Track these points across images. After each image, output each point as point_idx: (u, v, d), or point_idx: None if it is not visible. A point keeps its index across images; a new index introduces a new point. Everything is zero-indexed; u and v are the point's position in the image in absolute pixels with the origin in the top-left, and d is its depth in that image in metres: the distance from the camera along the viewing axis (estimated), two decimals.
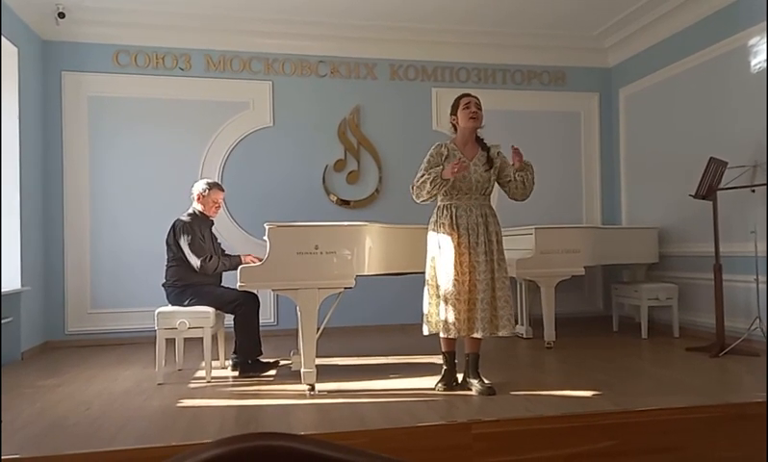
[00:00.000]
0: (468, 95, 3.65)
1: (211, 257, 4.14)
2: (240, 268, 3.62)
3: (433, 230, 3.58)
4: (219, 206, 4.47)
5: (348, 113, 6.31)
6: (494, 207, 3.68)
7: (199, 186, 4.39)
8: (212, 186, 4.40)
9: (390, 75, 6.44)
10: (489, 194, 3.63)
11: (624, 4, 5.87)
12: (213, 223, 4.49)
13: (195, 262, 4.10)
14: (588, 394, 3.40)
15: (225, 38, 6.01)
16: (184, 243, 4.13)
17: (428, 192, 3.49)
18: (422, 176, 3.53)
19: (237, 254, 4.33)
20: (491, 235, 3.51)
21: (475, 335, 3.44)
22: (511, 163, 3.57)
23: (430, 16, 6.00)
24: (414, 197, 3.60)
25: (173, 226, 4.24)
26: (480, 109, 3.60)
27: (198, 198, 4.35)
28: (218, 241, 4.60)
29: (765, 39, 4.78)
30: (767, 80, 4.67)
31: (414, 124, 6.38)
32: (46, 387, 3.91)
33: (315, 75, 6.29)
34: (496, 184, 3.68)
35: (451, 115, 3.69)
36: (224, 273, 4.33)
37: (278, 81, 6.20)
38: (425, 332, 3.58)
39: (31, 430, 2.94)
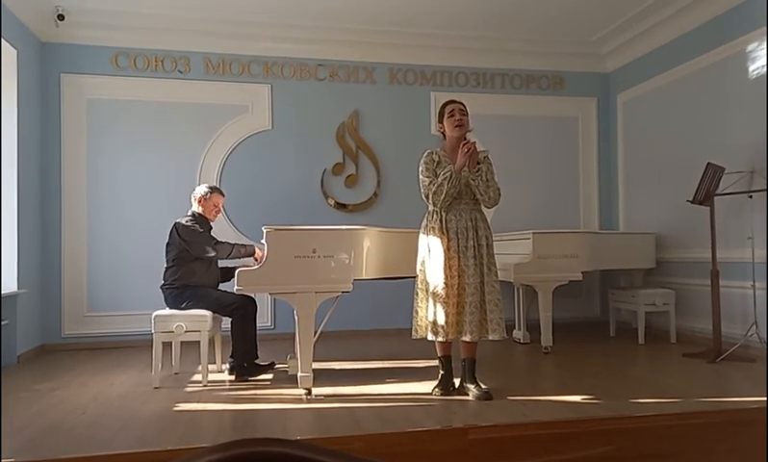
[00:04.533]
0: (452, 102, 3.67)
1: (222, 242, 4.24)
2: (237, 271, 3.62)
3: (423, 234, 3.60)
4: (219, 211, 4.53)
5: (347, 116, 6.31)
6: (492, 213, 3.69)
7: (201, 189, 4.44)
8: (213, 190, 4.46)
9: (389, 79, 6.45)
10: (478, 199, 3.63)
11: (622, 10, 5.90)
12: (211, 228, 4.51)
13: (210, 250, 4.17)
14: (585, 399, 3.40)
15: (224, 41, 6.01)
16: (192, 242, 4.17)
17: (446, 193, 3.46)
18: (432, 182, 3.51)
19: (251, 244, 4.39)
20: (480, 239, 3.52)
21: (465, 338, 3.46)
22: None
23: (429, 21, 6.02)
24: (432, 205, 3.57)
25: (175, 227, 4.25)
26: (466, 114, 3.62)
27: (199, 201, 4.39)
28: None
29: (763, 45, 4.81)
30: (767, 85, 4.68)
31: (412, 128, 6.38)
32: (42, 390, 3.90)
33: (314, 79, 6.29)
34: None
35: (438, 122, 3.72)
36: (220, 277, 4.37)
37: (277, 84, 6.20)
38: (414, 335, 3.61)
39: (27, 434, 2.93)
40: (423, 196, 3.60)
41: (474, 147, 3.48)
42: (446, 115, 3.63)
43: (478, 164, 3.53)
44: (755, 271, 4.62)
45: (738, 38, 5.05)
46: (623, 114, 6.70)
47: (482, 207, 3.65)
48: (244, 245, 4.33)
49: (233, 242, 4.44)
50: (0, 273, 4.60)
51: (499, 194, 3.59)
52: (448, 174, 3.47)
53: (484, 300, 3.47)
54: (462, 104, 3.65)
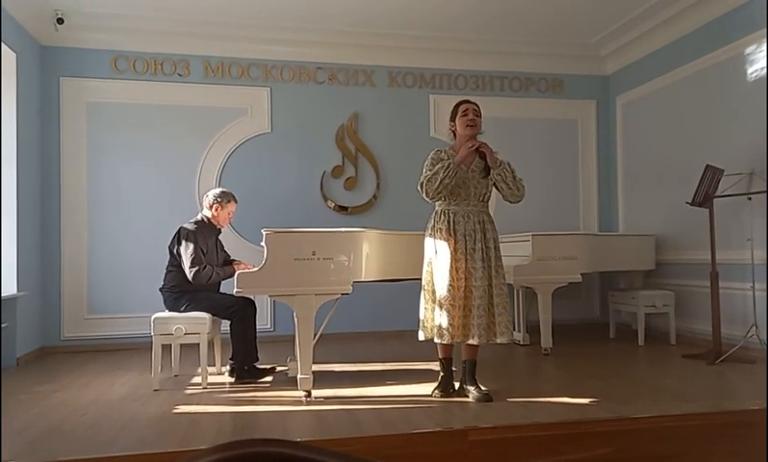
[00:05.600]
0: (467, 102, 3.66)
1: (204, 267, 4.12)
2: (237, 273, 3.62)
3: (430, 235, 3.58)
4: (232, 218, 4.48)
5: (346, 119, 6.32)
6: (491, 214, 3.69)
7: (215, 194, 4.37)
8: (229, 198, 4.38)
9: (388, 82, 6.46)
10: (487, 201, 3.63)
11: (621, 12, 5.91)
12: (220, 231, 4.48)
13: (189, 271, 4.08)
14: (585, 401, 3.40)
15: (224, 44, 6.02)
16: (183, 250, 4.13)
17: (441, 182, 3.43)
18: (431, 171, 3.50)
19: (229, 265, 4.32)
20: (488, 241, 3.50)
21: (472, 341, 3.44)
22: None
23: (428, 24, 6.03)
24: (424, 195, 3.54)
25: (178, 232, 4.24)
26: (479, 116, 3.61)
27: (212, 207, 4.34)
28: (224, 249, 4.58)
29: (762, 48, 4.82)
30: (767, 87, 4.69)
31: (412, 131, 6.40)
32: (42, 393, 3.90)
33: (313, 82, 6.30)
34: (494, 191, 3.69)
35: (450, 121, 3.70)
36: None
37: (276, 87, 6.21)
38: (421, 337, 3.58)
39: (27, 436, 2.93)
40: (418, 186, 3.56)
41: (485, 146, 3.49)
42: (459, 114, 3.62)
43: (498, 162, 3.52)
44: (755, 273, 4.62)
45: (737, 40, 5.06)
46: (622, 116, 6.71)
47: (489, 209, 3.66)
48: (223, 268, 4.25)
49: (213, 266, 4.25)
50: (0, 275, 4.60)
51: (524, 187, 3.60)
52: (447, 164, 3.46)
53: (492, 303, 3.45)
54: (476, 105, 3.64)
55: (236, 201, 4.45)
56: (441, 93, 6.47)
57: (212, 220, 4.36)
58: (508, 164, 3.57)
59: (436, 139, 6.17)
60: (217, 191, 4.44)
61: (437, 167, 3.47)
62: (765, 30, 4.72)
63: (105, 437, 2.88)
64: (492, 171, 3.54)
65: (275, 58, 6.20)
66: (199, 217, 4.37)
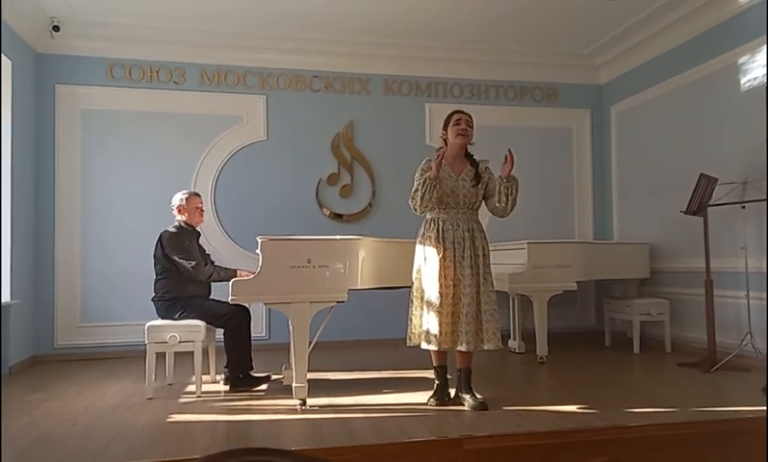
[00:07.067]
0: (460, 112, 3.68)
1: (206, 263, 4.13)
2: (231, 281, 3.61)
3: (420, 243, 3.61)
4: (203, 211, 4.50)
5: (342, 127, 6.33)
6: (485, 222, 3.70)
7: (176, 198, 4.40)
8: (189, 194, 4.43)
9: (384, 90, 6.48)
10: (477, 209, 3.65)
11: (615, 22, 5.95)
12: (200, 234, 4.48)
13: (187, 266, 4.08)
14: (580, 409, 3.40)
15: (220, 52, 6.03)
16: (173, 252, 4.12)
17: (422, 197, 3.48)
18: (415, 186, 3.56)
19: (234, 268, 4.32)
20: (477, 249, 3.52)
21: (460, 348, 3.45)
22: (500, 174, 3.56)
23: (424, 33, 6.05)
24: (413, 209, 3.59)
25: (160, 238, 4.22)
26: (471, 126, 3.63)
27: (180, 210, 4.36)
28: (207, 252, 4.57)
29: (755, 58, 4.86)
30: (767, 95, 4.71)
31: (407, 139, 6.41)
32: (34, 402, 3.86)
33: (309, 90, 6.31)
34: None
35: (443, 129, 3.72)
36: (215, 286, 4.32)
37: (272, 95, 6.22)
38: (408, 343, 3.61)
39: (17, 446, 2.90)
40: (409, 201, 3.60)
41: (511, 156, 3.49)
42: (451, 123, 3.65)
43: (512, 177, 3.54)
44: (749, 281, 4.63)
45: (730, 50, 5.09)
46: (616, 125, 6.74)
47: (479, 217, 3.67)
48: (225, 269, 4.26)
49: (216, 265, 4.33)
50: (1, 282, 4.57)
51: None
52: (424, 179, 3.48)
53: (480, 310, 3.46)
54: (469, 116, 3.67)
55: (198, 195, 4.49)
56: (436, 102, 6.50)
57: (187, 223, 4.36)
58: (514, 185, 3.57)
59: (431, 147, 6.15)
60: (178, 193, 4.44)
61: (417, 184, 3.52)
62: (758, 40, 4.76)
63: (96, 446, 2.85)
64: (501, 183, 3.53)
65: (271, 66, 6.21)
66: (176, 222, 4.36)
